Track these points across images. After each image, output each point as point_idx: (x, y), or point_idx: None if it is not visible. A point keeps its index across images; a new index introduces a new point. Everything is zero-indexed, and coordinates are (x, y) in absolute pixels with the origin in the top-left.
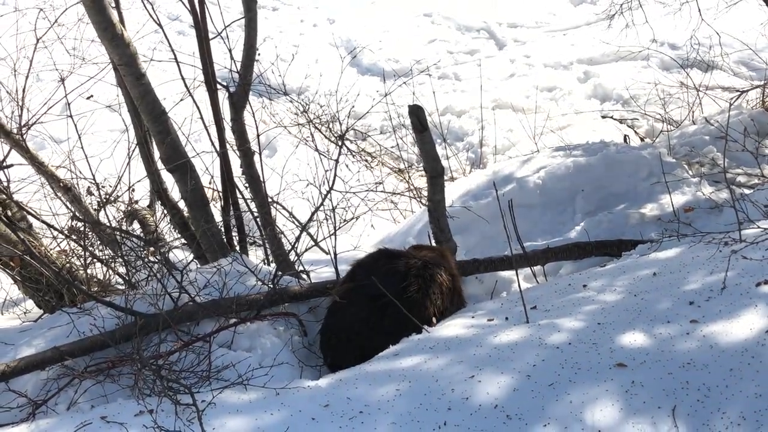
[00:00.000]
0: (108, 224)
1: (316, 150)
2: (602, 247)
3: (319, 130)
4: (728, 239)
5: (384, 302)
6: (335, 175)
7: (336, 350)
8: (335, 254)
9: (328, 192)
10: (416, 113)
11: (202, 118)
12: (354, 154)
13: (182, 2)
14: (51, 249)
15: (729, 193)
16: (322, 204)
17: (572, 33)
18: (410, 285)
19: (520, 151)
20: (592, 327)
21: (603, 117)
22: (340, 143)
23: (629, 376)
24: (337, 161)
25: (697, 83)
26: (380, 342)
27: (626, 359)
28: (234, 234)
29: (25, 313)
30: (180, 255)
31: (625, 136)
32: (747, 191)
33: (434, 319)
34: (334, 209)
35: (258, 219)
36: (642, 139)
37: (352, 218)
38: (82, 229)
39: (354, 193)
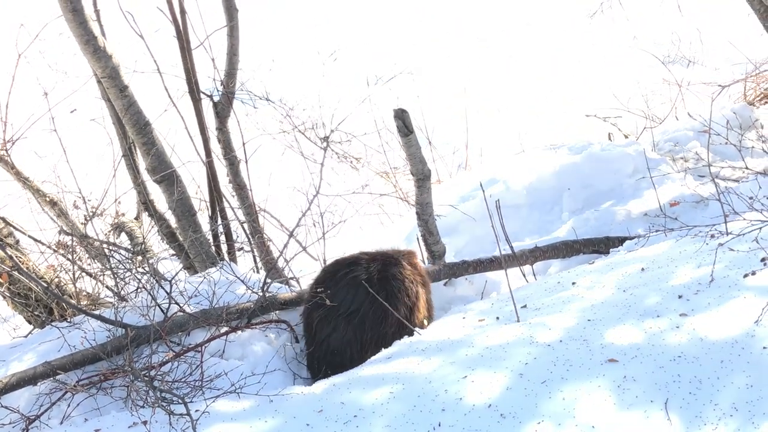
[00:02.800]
0: (95, 237)
1: (301, 154)
2: (590, 245)
3: (304, 135)
4: (715, 232)
5: (360, 318)
6: (321, 178)
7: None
8: (325, 260)
9: (314, 196)
10: (401, 117)
11: (186, 128)
12: (339, 156)
13: (163, 13)
14: (39, 264)
15: (714, 187)
16: (309, 209)
17: (556, 32)
18: (378, 291)
19: (505, 152)
20: (582, 324)
21: (587, 115)
22: (324, 145)
23: (621, 371)
24: (322, 164)
25: (680, 79)
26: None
27: (617, 354)
28: (222, 242)
29: (14, 329)
30: (168, 266)
31: (609, 133)
32: (732, 184)
33: (425, 321)
34: (322, 215)
35: (246, 227)
36: (626, 137)
37: (340, 222)
38: (69, 243)
39: (341, 195)
